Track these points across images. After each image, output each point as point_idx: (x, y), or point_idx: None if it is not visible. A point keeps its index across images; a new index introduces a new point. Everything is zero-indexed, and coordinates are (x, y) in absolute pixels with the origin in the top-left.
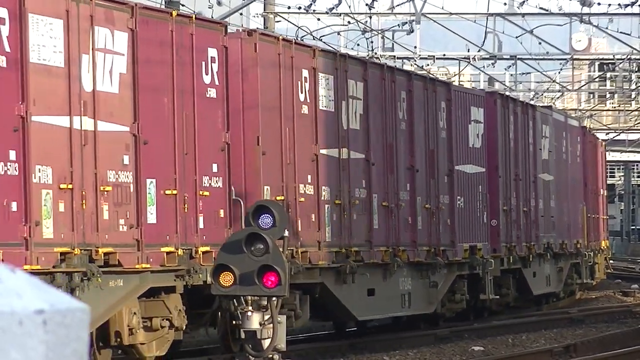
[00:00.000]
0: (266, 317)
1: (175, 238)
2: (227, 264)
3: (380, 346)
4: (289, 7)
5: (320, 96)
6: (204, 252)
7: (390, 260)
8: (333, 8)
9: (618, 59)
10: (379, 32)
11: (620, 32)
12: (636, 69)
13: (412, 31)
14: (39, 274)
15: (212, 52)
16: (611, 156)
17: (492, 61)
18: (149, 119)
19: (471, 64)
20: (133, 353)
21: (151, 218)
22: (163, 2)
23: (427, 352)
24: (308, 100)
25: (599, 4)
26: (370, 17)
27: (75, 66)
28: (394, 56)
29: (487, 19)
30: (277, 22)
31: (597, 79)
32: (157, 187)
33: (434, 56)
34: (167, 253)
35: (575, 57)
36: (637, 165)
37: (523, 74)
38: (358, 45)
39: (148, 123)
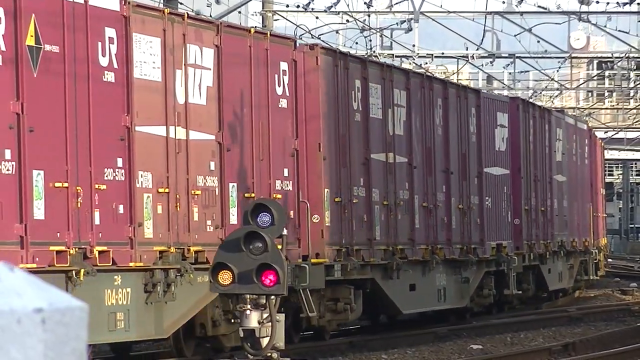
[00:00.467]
0: (265, 315)
1: None
2: (225, 262)
3: (379, 345)
4: (287, 6)
5: (371, 104)
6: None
7: (429, 258)
8: (331, 6)
9: (616, 57)
10: (378, 30)
11: (619, 31)
12: (634, 67)
13: (411, 29)
14: (141, 270)
15: (284, 66)
16: (610, 154)
17: (491, 59)
18: (231, 128)
19: (470, 63)
20: (215, 344)
21: (233, 219)
22: (161, 1)
23: (425, 351)
24: (360, 109)
25: (597, 2)
26: (369, 16)
27: (170, 81)
28: (392, 54)
29: (485, 17)
30: (276, 20)
31: (595, 77)
32: (238, 190)
33: (432, 54)
34: None
35: (573, 55)
36: (635, 163)
37: (521, 72)
38: (356, 43)
39: (231, 132)
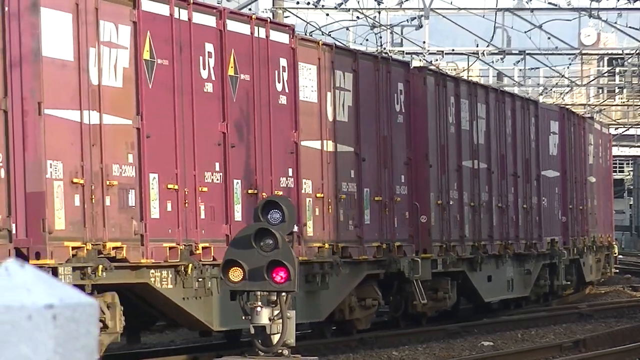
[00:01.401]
0: (275, 312)
1: (380, 235)
2: (236, 259)
3: (390, 341)
4: (297, 3)
5: (462, 118)
6: (397, 246)
7: (502, 252)
8: (342, 3)
9: (627, 54)
10: (388, 27)
11: (629, 27)
12: None
13: (421, 26)
14: (306, 263)
15: (400, 86)
16: (620, 151)
17: (501, 56)
18: (365, 142)
19: (480, 59)
20: (349, 327)
21: (367, 219)
22: None
23: (436, 347)
24: (454, 122)
25: None
26: (379, 13)
27: (323, 101)
28: (403, 51)
29: (495, 14)
30: (286, 17)
31: (606, 74)
32: (371, 195)
33: (442, 51)
34: (377, 247)
35: (584, 52)
36: None
37: (532, 69)
38: (367, 40)
39: (365, 145)
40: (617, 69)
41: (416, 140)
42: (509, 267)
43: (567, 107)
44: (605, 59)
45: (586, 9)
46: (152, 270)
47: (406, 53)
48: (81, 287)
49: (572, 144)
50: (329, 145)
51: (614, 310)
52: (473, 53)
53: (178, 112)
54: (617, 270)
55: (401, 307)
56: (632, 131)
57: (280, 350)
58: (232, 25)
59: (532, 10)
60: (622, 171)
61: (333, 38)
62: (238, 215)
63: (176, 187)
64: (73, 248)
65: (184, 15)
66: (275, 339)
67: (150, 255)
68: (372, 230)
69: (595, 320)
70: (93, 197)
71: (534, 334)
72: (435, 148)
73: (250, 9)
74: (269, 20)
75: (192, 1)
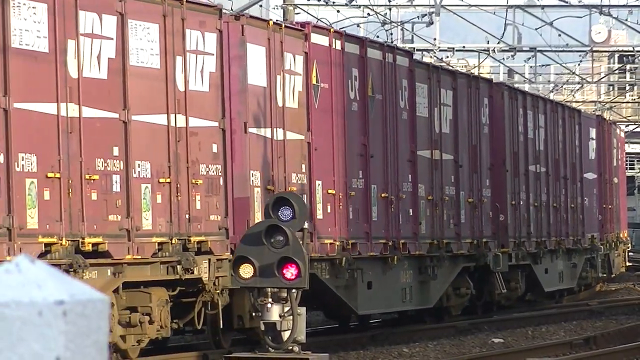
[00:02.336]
0: (286, 309)
1: (472, 233)
2: (246, 255)
3: (401, 338)
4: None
5: (528, 128)
6: (484, 242)
7: (556, 247)
8: (352, 0)
9: (638, 51)
10: (399, 24)
11: None
12: None
13: (432, 23)
14: (420, 257)
15: (485, 101)
16: (631, 148)
17: (512, 53)
18: (462, 150)
19: (491, 56)
20: (443, 313)
21: (462, 218)
22: None
23: (447, 344)
24: (523, 131)
25: None
26: (390, 9)
27: (433, 116)
28: (414, 48)
29: (506, 10)
30: (297, 14)
31: (616, 71)
32: (465, 197)
33: (453, 48)
34: (470, 243)
35: (594, 49)
36: None
37: (542, 65)
38: (377, 37)
39: (462, 153)
40: (628, 66)
41: (496, 148)
42: (560, 260)
43: (578, 106)
44: (616, 56)
45: (597, 6)
46: (315, 263)
47: (417, 50)
48: None
49: (604, 149)
50: (436, 154)
51: (625, 307)
52: (484, 50)
53: (334, 129)
54: (630, 264)
55: (483, 296)
56: None
57: (291, 347)
58: (370, 53)
59: (542, 7)
60: (633, 168)
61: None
62: (375, 216)
63: (333, 192)
64: None
65: (338, 45)
66: (286, 335)
67: (317, 250)
68: (466, 228)
69: (605, 317)
70: None
71: (545, 331)
72: (510, 154)
73: (261, 6)
74: (395, 47)
75: (344, 32)
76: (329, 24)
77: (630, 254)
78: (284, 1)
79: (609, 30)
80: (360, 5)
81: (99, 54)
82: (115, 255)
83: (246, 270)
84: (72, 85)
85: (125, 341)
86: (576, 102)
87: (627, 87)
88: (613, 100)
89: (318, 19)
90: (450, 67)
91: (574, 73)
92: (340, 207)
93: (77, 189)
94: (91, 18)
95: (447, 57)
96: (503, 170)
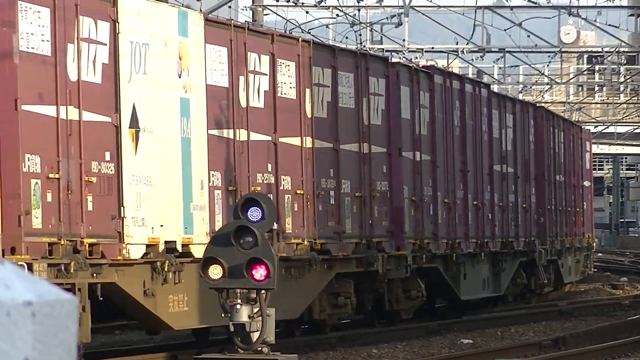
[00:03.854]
0: (255, 309)
1: (526, 233)
2: (215, 256)
3: (370, 339)
4: (277, 0)
5: (558, 144)
6: (532, 241)
7: (570, 245)
8: (321, 1)
9: (606, 52)
10: (368, 24)
11: (609, 25)
12: (624, 62)
13: (401, 24)
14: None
15: (532, 122)
16: (600, 149)
17: (481, 54)
18: (519, 164)
19: (460, 57)
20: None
21: (520, 221)
22: None
23: (416, 345)
24: (552, 146)
25: None
26: (359, 10)
27: (503, 137)
28: (383, 49)
29: (475, 11)
30: (266, 15)
31: (585, 72)
32: (520, 203)
33: (422, 49)
34: (523, 241)
35: (563, 49)
36: (625, 158)
37: (512, 66)
38: (347, 38)
39: (519, 165)
40: (597, 67)
41: (540, 161)
42: (569, 256)
43: (546, 106)
44: (585, 56)
45: (566, 6)
46: (438, 259)
47: (386, 51)
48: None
49: (574, 153)
50: (504, 168)
51: (594, 308)
52: (453, 51)
53: (447, 150)
54: (596, 269)
55: (530, 285)
56: (611, 129)
57: (260, 348)
58: (466, 87)
59: (511, 8)
60: (602, 169)
61: (313, 36)
62: (470, 220)
63: (448, 201)
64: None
65: (447, 83)
66: (255, 336)
67: (439, 248)
68: (521, 229)
69: (574, 318)
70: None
71: (514, 331)
72: (545, 167)
73: (230, 7)
74: (480, 81)
75: (452, 72)
76: (297, 24)
77: (599, 254)
78: (252, 2)
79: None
80: (329, 6)
81: None
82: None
83: (215, 271)
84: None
85: None
86: (545, 102)
87: (596, 88)
88: (582, 101)
89: (287, 20)
90: (511, 96)
91: (543, 74)
92: (454, 214)
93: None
94: None
95: (416, 57)
96: (543, 180)
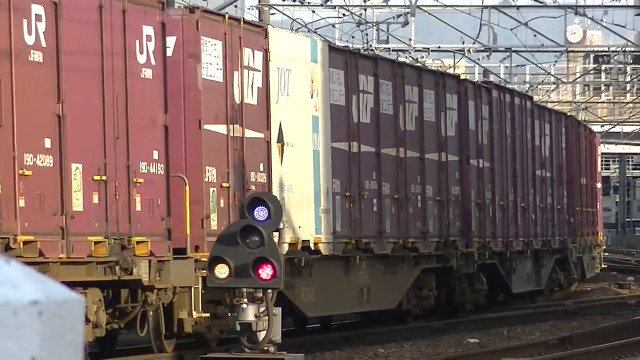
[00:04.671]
0: (261, 309)
1: (561, 232)
2: (222, 256)
3: (376, 339)
4: (283, 0)
5: (579, 148)
6: (564, 239)
7: (590, 243)
8: (328, 0)
9: (613, 51)
10: (374, 24)
11: (615, 25)
12: (631, 61)
13: (407, 23)
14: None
15: (547, 127)
16: (606, 148)
17: (487, 53)
18: (556, 169)
19: (466, 56)
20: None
21: (556, 222)
22: None
23: (422, 345)
24: (568, 147)
25: None
26: (365, 10)
27: (539, 142)
28: (389, 48)
29: (482, 11)
30: (272, 14)
31: (592, 71)
32: (555, 205)
33: (428, 48)
34: (559, 240)
35: (570, 49)
36: (632, 157)
37: (518, 66)
38: (353, 37)
39: (551, 169)
40: (603, 67)
41: (570, 166)
42: (589, 253)
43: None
44: (591, 56)
45: (572, 6)
46: (496, 256)
47: (392, 50)
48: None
49: (578, 152)
50: (543, 173)
51: (600, 307)
52: (459, 50)
53: (501, 157)
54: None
55: (561, 280)
56: (617, 128)
57: (266, 347)
58: (515, 100)
59: (518, 7)
60: (608, 168)
61: (320, 35)
62: (519, 220)
63: (503, 203)
64: None
65: (501, 96)
66: (261, 336)
67: (497, 245)
68: (556, 228)
69: (581, 317)
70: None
71: (520, 331)
72: (574, 171)
73: (236, 6)
74: (525, 94)
75: (504, 86)
76: (304, 24)
77: (605, 254)
78: (259, 1)
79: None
80: (335, 6)
81: None
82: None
83: (221, 271)
84: None
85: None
86: (551, 102)
87: (603, 88)
88: (588, 101)
89: (293, 20)
90: (550, 108)
91: (549, 73)
92: (507, 215)
93: None
94: None
95: (423, 57)
96: (574, 183)
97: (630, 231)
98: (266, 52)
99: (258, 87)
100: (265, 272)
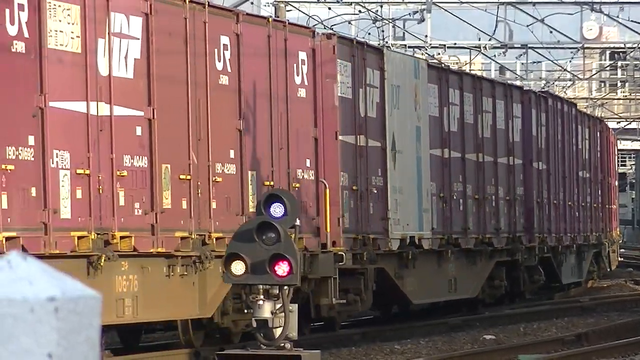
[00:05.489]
0: (278, 306)
1: (586, 228)
2: (238, 252)
3: (392, 335)
4: None
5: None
6: (588, 236)
7: (600, 240)
8: None
9: (629, 48)
10: (390, 21)
11: (631, 21)
12: None
13: (423, 20)
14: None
15: (587, 131)
16: (623, 145)
17: (503, 50)
18: (563, 161)
19: (482, 53)
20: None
21: (581, 216)
22: None
23: (439, 341)
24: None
25: None
26: (381, 6)
27: (584, 145)
28: (405, 45)
29: (498, 7)
30: (288, 11)
31: (608, 68)
32: (580, 202)
33: (445, 45)
34: (583, 236)
35: (586, 45)
36: None
37: (534, 62)
38: (369, 34)
39: (559, 163)
40: (619, 63)
41: (603, 166)
42: (611, 247)
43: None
44: (607, 52)
45: (588, 2)
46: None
47: (408, 47)
48: None
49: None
50: (584, 174)
51: (616, 303)
52: (475, 47)
53: (555, 160)
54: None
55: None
56: (634, 125)
57: (283, 344)
58: (564, 107)
59: (534, 4)
60: (624, 165)
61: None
62: (552, 216)
63: (556, 202)
64: None
65: (554, 104)
66: (278, 332)
67: (533, 240)
68: (594, 224)
69: (597, 313)
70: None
71: (536, 327)
72: (605, 171)
73: (252, 3)
74: (569, 101)
75: (556, 95)
76: (320, 21)
77: (621, 250)
78: None
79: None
80: (351, 2)
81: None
82: None
83: (238, 267)
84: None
85: None
86: (568, 98)
87: (619, 84)
88: (604, 97)
89: (309, 16)
90: (588, 113)
91: (565, 70)
92: (558, 213)
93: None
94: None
95: (439, 54)
96: (606, 183)
97: None
98: (382, 70)
99: (376, 102)
100: (282, 268)
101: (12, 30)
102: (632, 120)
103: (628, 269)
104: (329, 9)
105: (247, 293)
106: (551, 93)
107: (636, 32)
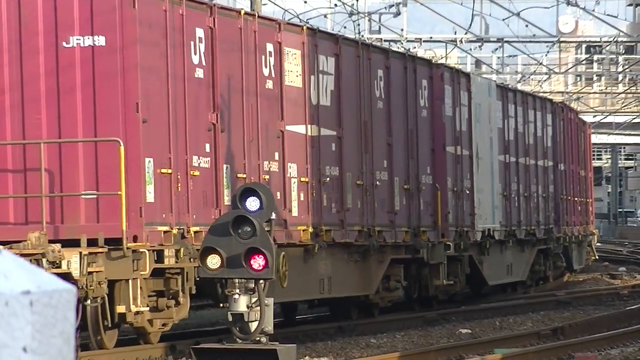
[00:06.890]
0: (253, 299)
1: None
2: (214, 246)
3: (368, 329)
4: None
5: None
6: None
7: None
8: None
9: (605, 42)
10: (366, 14)
11: (607, 15)
12: (623, 52)
13: (399, 14)
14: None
15: (582, 135)
16: (598, 139)
17: (479, 44)
18: (568, 159)
19: (458, 47)
20: None
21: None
22: None
23: (414, 335)
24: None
25: None
26: (357, 0)
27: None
28: (381, 39)
29: (474, 1)
30: (264, 5)
31: (584, 62)
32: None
33: (420, 39)
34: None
35: (562, 39)
36: (624, 147)
37: (510, 56)
38: (345, 27)
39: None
40: (595, 57)
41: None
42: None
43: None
44: (583, 46)
45: None
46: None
47: (384, 40)
48: None
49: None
50: (582, 172)
51: (592, 297)
52: (451, 41)
53: (572, 161)
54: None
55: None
56: (609, 119)
57: (258, 338)
58: (571, 116)
59: None
60: (600, 159)
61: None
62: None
63: (572, 199)
64: None
65: (568, 114)
66: (253, 326)
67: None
68: (584, 218)
69: (573, 307)
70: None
71: (512, 321)
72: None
73: None
74: (575, 110)
75: (569, 106)
76: (296, 14)
77: (597, 244)
78: None
79: (576, 21)
80: None
81: None
82: None
83: (213, 261)
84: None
85: None
86: (543, 92)
87: (595, 78)
88: (580, 91)
89: (285, 10)
90: (584, 119)
91: (541, 64)
92: (574, 208)
93: None
94: None
95: (415, 47)
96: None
97: (622, 221)
98: (469, 92)
99: (466, 118)
100: (257, 262)
101: (265, 71)
102: (607, 114)
103: (604, 263)
104: (305, 2)
105: (223, 287)
106: (566, 104)
107: (612, 26)
